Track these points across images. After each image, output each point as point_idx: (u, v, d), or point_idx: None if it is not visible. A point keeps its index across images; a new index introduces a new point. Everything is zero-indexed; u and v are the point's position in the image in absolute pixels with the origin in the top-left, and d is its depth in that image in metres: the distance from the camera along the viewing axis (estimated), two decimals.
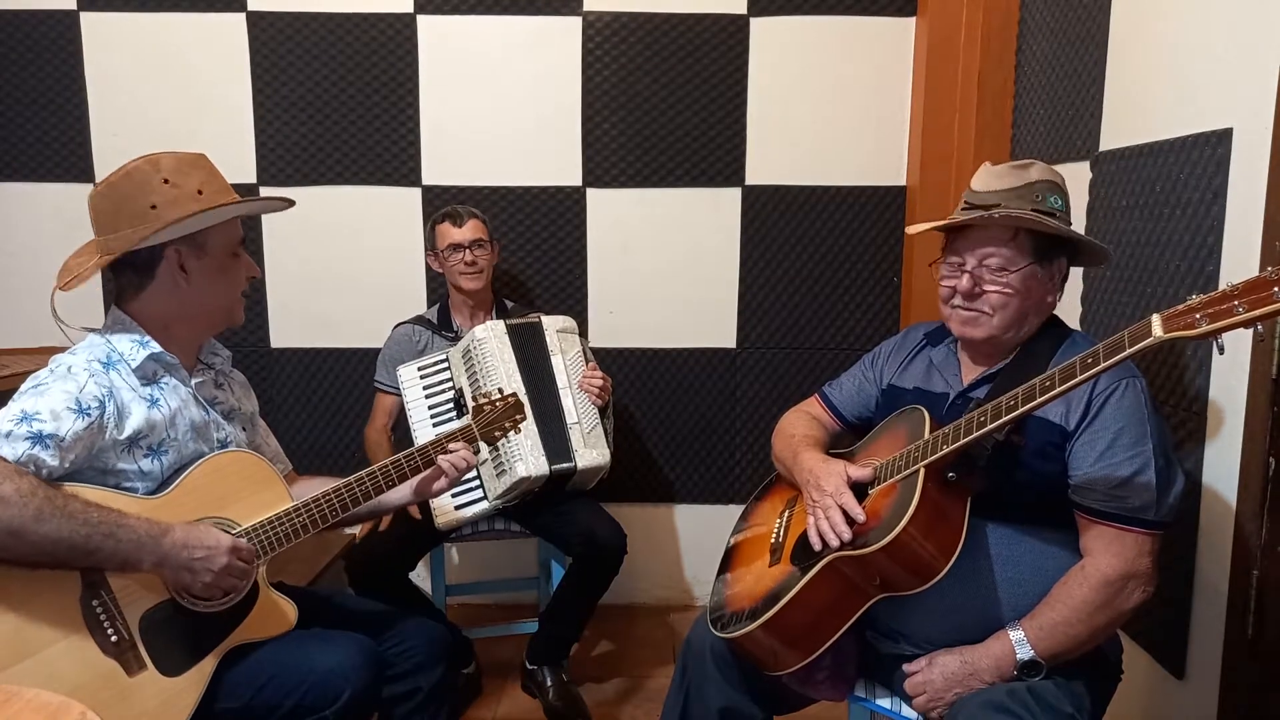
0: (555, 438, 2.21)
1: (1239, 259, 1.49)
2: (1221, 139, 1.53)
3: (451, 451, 1.63)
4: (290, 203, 1.58)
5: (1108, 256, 1.50)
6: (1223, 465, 1.53)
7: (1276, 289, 1.01)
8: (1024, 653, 1.33)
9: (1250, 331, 1.06)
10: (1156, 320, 1.11)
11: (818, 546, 1.39)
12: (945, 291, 1.49)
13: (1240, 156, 1.50)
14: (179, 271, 1.46)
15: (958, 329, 1.49)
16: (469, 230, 2.39)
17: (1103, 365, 1.16)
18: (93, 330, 1.47)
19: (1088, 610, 1.32)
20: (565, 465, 2.19)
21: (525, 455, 2.15)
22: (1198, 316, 1.07)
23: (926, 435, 1.38)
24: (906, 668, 1.42)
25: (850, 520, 1.36)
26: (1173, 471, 1.35)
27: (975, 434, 1.29)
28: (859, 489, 1.43)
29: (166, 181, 1.41)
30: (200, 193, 1.43)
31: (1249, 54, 1.48)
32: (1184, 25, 1.68)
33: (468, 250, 2.38)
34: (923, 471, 1.33)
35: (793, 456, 1.60)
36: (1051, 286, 1.47)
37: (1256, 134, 1.45)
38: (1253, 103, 1.46)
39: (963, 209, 1.46)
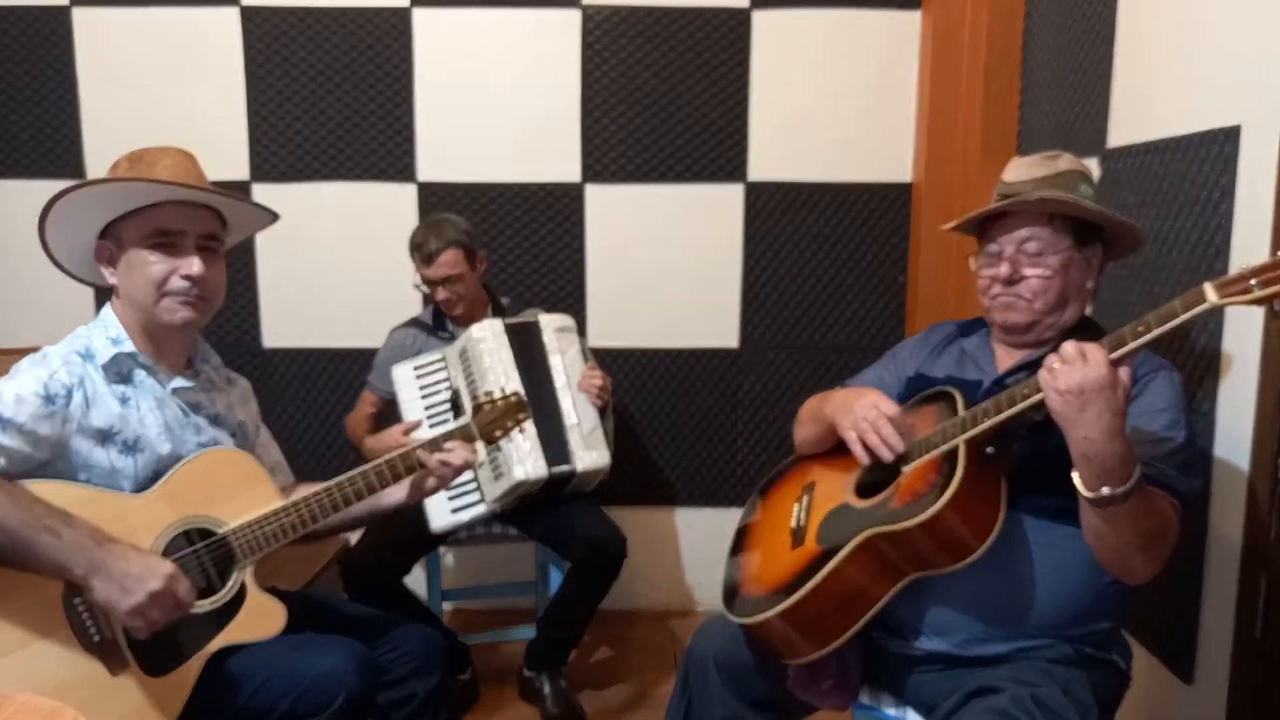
0: (554, 439, 2.18)
1: (1247, 258, 1.46)
2: (1230, 136, 1.51)
3: (448, 450, 1.59)
4: (255, 202, 1.57)
5: (1141, 241, 1.48)
6: (1232, 467, 1.52)
7: None
8: (1108, 490, 1.19)
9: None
10: (1209, 287, 1.10)
11: (865, 461, 1.40)
12: (984, 283, 1.48)
13: (1248, 154, 1.48)
14: (108, 266, 1.46)
15: (1000, 316, 1.47)
16: (441, 267, 2.29)
17: (1155, 332, 1.14)
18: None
19: (1160, 526, 1.25)
20: (564, 468, 2.16)
21: (523, 457, 2.11)
22: (1251, 283, 1.07)
23: (962, 412, 1.37)
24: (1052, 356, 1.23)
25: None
26: (1197, 464, 1.33)
27: (1021, 404, 1.26)
28: (891, 469, 1.41)
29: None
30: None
31: (1257, 51, 1.47)
32: (1192, 21, 1.66)
33: (440, 287, 2.33)
34: (963, 446, 1.31)
35: (820, 402, 1.59)
36: (1090, 273, 1.46)
37: (1265, 132, 1.44)
38: (1261, 100, 1.45)
39: (997, 200, 1.46)
